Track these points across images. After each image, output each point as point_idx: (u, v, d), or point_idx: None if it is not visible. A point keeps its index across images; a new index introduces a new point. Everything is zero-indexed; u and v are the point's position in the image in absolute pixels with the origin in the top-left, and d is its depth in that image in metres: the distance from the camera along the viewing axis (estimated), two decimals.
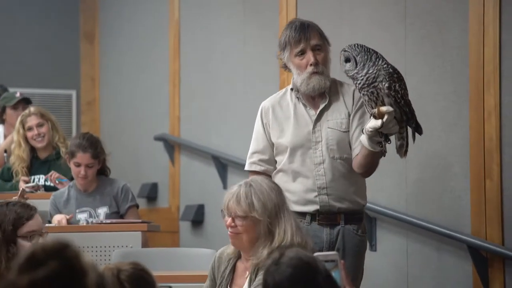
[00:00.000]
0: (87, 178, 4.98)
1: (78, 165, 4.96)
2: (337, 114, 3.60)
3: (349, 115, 3.59)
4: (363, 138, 3.40)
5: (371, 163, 3.50)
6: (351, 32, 5.24)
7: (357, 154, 3.53)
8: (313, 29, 3.62)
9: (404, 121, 3.33)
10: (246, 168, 3.72)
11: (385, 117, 3.25)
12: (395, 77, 3.31)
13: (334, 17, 5.38)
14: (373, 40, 4.99)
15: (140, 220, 4.96)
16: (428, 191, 4.58)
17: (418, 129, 3.38)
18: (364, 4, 5.13)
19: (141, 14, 7.54)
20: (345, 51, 3.39)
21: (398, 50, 4.80)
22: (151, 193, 7.18)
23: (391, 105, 3.27)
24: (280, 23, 5.84)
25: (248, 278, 3.29)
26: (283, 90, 3.73)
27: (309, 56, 3.57)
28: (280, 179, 3.60)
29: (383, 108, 3.26)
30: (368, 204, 4.81)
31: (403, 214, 4.64)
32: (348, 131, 3.59)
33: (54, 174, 5.44)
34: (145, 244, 4.84)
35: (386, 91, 3.28)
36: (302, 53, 3.58)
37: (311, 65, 3.55)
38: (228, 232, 3.30)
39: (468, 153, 4.31)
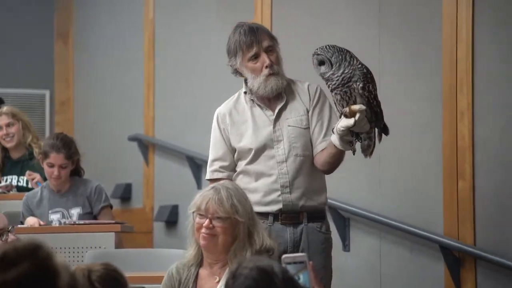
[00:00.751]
0: (60, 179, 4.96)
1: (51, 165, 4.94)
2: (295, 112, 3.59)
3: (308, 112, 3.60)
4: (334, 138, 3.39)
5: (336, 162, 3.50)
6: (326, 31, 5.26)
7: (320, 151, 3.53)
8: (262, 31, 3.62)
9: (374, 121, 3.33)
10: (208, 177, 3.68)
11: (357, 115, 3.25)
12: (369, 78, 3.31)
13: (309, 17, 5.40)
14: (348, 39, 5.00)
15: (113, 221, 4.94)
16: (401, 191, 4.60)
17: (385, 130, 3.39)
18: (339, 4, 5.15)
19: (116, 14, 7.52)
20: (317, 54, 3.38)
21: (372, 50, 4.82)
22: (125, 193, 7.16)
23: (363, 105, 3.27)
24: (255, 22, 5.84)
25: (221, 282, 3.29)
26: (236, 94, 3.70)
27: (264, 59, 3.55)
28: (241, 180, 3.59)
29: (356, 107, 3.26)
30: (341, 205, 4.85)
31: (376, 215, 4.66)
32: (308, 127, 3.59)
33: (35, 177, 5.43)
34: (119, 245, 4.82)
35: (360, 91, 3.28)
36: (256, 56, 3.57)
37: (266, 67, 3.54)
38: (202, 234, 3.29)
39: (441, 153, 4.34)
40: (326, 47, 3.37)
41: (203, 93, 6.44)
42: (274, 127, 3.58)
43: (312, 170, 3.57)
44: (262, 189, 3.55)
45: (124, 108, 7.34)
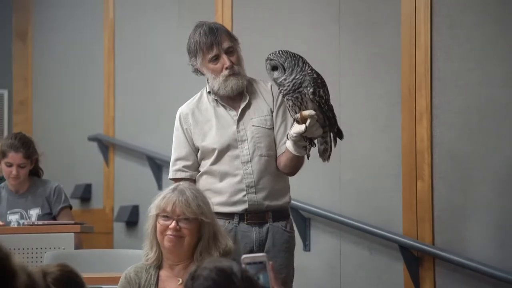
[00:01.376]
0: (19, 179, 4.93)
1: (9, 165, 4.90)
2: (259, 112, 3.60)
3: (271, 112, 3.61)
4: (288, 144, 3.42)
5: (296, 165, 3.52)
6: (286, 32, 5.28)
7: (282, 153, 3.54)
8: (222, 31, 3.61)
9: (327, 125, 3.36)
10: (171, 176, 3.67)
11: (308, 121, 3.27)
12: (319, 83, 3.33)
13: (270, 18, 5.42)
14: (308, 40, 5.04)
15: (73, 222, 4.92)
16: (361, 191, 4.64)
17: (339, 134, 3.41)
18: (299, 5, 5.18)
19: (76, 14, 7.47)
20: (270, 59, 3.40)
21: (332, 51, 4.85)
22: (85, 194, 7.12)
23: (314, 110, 3.29)
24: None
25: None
26: (198, 94, 3.70)
27: (224, 60, 3.56)
28: (205, 181, 3.59)
29: (306, 112, 3.27)
30: (302, 205, 4.87)
31: (336, 215, 4.69)
32: (273, 127, 3.60)
33: None
34: (79, 246, 4.80)
35: (311, 96, 3.29)
36: (216, 58, 3.57)
37: (226, 68, 3.55)
38: (168, 236, 3.28)
39: (400, 154, 4.38)
40: (279, 52, 3.40)
41: (164, 93, 6.43)
42: (237, 126, 3.58)
43: (276, 170, 3.58)
44: (228, 189, 3.55)
45: (84, 108, 7.30)
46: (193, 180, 3.61)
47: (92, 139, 7.00)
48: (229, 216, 3.55)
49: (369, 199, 4.58)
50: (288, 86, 3.32)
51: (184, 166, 3.64)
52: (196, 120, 3.63)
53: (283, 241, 3.58)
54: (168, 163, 6.21)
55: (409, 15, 4.33)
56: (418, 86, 4.30)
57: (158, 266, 3.32)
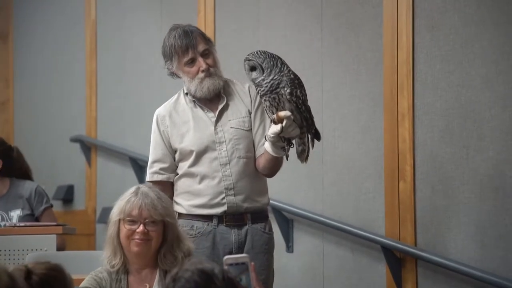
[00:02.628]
0: None
1: None
2: (237, 113, 3.61)
3: (249, 113, 3.61)
4: (267, 145, 3.42)
5: (275, 166, 3.53)
6: (269, 33, 5.29)
7: (260, 155, 3.55)
8: (197, 34, 3.61)
9: (305, 126, 3.36)
10: (148, 178, 3.66)
11: (284, 121, 3.28)
12: (296, 83, 3.33)
13: (252, 19, 5.43)
14: (290, 41, 5.05)
15: (55, 223, 4.91)
16: (344, 192, 4.66)
17: (317, 135, 3.41)
18: (281, 6, 5.19)
19: (57, 14, 7.45)
20: (249, 60, 3.41)
21: (314, 52, 4.87)
22: (67, 195, 7.11)
23: (291, 111, 3.29)
24: (198, 24, 5.86)
25: (157, 285, 3.28)
26: (175, 96, 3.70)
27: (200, 63, 3.56)
28: (184, 183, 3.59)
29: (281, 113, 3.28)
30: (284, 206, 4.89)
31: (319, 216, 4.71)
32: (251, 129, 3.60)
33: None
34: (62, 247, 4.80)
35: (288, 96, 3.30)
36: (192, 61, 3.58)
37: (202, 71, 3.56)
38: (136, 241, 3.26)
39: (382, 155, 4.40)
40: (257, 52, 3.41)
41: (146, 94, 6.43)
42: (215, 128, 3.58)
43: (255, 171, 3.59)
44: (206, 191, 3.55)
45: (65, 109, 7.29)
46: (170, 183, 3.62)
47: (74, 140, 7.00)
48: (207, 218, 3.55)
49: (351, 200, 4.61)
50: (266, 86, 3.34)
51: (161, 169, 3.63)
52: (174, 121, 3.63)
53: (262, 243, 3.58)
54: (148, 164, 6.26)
55: (391, 17, 4.36)
56: (400, 88, 4.32)
57: (126, 272, 3.28)
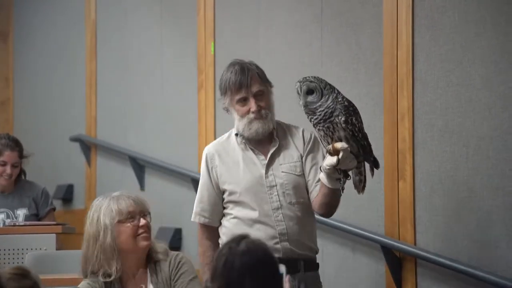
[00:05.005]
0: (11, 178, 5.01)
1: (4, 163, 4.98)
2: (289, 158, 3.50)
3: (301, 158, 3.51)
4: (322, 176, 3.32)
5: (332, 202, 3.41)
6: (269, 33, 5.30)
7: (317, 195, 3.44)
8: (254, 73, 3.50)
9: (361, 155, 3.27)
10: (192, 219, 3.61)
11: (341, 153, 3.18)
12: (351, 110, 3.25)
13: (252, 18, 5.43)
14: (290, 41, 5.06)
15: (54, 222, 4.93)
16: (343, 192, 4.65)
17: (375, 163, 3.31)
18: (281, 6, 5.20)
19: (58, 14, 7.46)
20: (310, 81, 3.29)
21: (314, 51, 4.87)
22: (66, 194, 7.12)
23: (347, 139, 3.21)
24: (198, 23, 5.86)
25: (150, 283, 3.29)
26: (226, 134, 3.61)
27: (251, 104, 3.46)
28: (233, 226, 3.49)
29: (338, 145, 3.18)
30: None
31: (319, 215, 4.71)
32: (303, 174, 3.49)
33: None
34: (61, 247, 4.81)
35: (343, 125, 3.21)
36: (244, 99, 3.48)
37: (252, 112, 3.46)
38: (144, 235, 3.28)
39: (382, 154, 4.40)
40: (317, 77, 3.31)
41: (146, 93, 6.44)
42: (266, 172, 3.48)
43: (306, 218, 3.50)
44: (259, 236, 3.37)
45: (65, 108, 7.30)
46: (212, 227, 3.54)
47: (73, 139, 7.01)
48: None
49: (351, 200, 4.60)
50: (320, 115, 3.23)
51: (203, 210, 3.57)
52: (223, 161, 3.54)
53: None
54: (150, 163, 6.29)
55: (390, 16, 4.36)
56: (400, 87, 4.32)
57: (118, 278, 3.27)
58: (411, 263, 4.24)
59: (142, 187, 6.36)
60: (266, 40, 5.32)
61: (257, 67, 3.55)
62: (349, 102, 3.27)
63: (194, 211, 3.58)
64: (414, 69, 4.26)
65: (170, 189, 6.13)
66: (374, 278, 4.46)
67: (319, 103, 3.25)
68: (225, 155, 3.54)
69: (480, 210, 3.93)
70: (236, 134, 3.55)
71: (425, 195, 4.21)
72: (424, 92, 4.23)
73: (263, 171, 3.48)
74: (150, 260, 3.33)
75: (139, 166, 6.40)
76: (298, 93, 3.31)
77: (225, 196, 3.52)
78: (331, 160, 3.21)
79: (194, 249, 5.80)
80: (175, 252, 3.40)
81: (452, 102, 4.08)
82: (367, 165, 3.43)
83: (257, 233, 3.41)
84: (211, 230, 3.55)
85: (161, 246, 3.37)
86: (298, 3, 5.05)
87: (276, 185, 3.46)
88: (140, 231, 3.27)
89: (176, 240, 5.95)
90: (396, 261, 4.28)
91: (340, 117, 3.22)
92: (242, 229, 3.43)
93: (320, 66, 4.82)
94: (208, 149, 3.58)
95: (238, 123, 3.50)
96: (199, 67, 5.84)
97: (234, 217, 3.49)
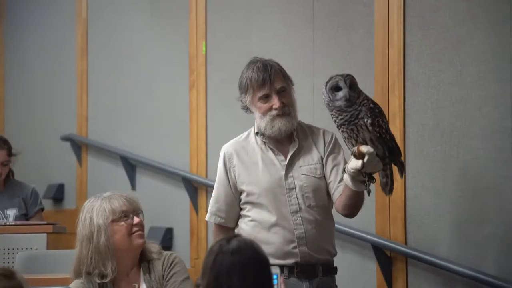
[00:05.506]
0: (1, 176, 5.01)
1: None
2: (309, 160, 3.41)
3: (322, 160, 3.41)
4: (346, 178, 3.23)
5: (356, 203, 3.31)
6: (260, 34, 5.30)
7: (339, 196, 3.35)
8: (276, 70, 3.41)
9: (387, 157, 3.19)
10: (207, 218, 3.52)
11: (366, 157, 3.10)
12: (377, 112, 3.17)
13: (244, 19, 5.44)
14: (282, 41, 5.06)
15: (45, 222, 4.93)
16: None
17: (402, 165, 3.25)
18: (273, 6, 5.20)
19: (48, 13, 7.45)
20: (352, 78, 3.20)
21: (306, 52, 4.88)
22: (57, 194, 7.11)
23: (372, 141, 3.14)
24: (189, 23, 5.86)
25: (144, 282, 3.29)
26: (245, 133, 3.51)
27: (274, 101, 3.36)
28: (250, 228, 3.39)
29: (363, 148, 3.10)
30: None
31: None
32: (323, 176, 3.40)
33: None
34: (52, 246, 4.81)
35: (370, 127, 3.13)
36: (266, 97, 3.38)
37: (275, 109, 3.36)
38: (139, 233, 3.28)
39: None
40: (352, 76, 3.22)
41: (137, 92, 6.44)
42: (286, 174, 3.39)
43: (326, 222, 3.41)
44: (277, 240, 3.35)
45: (56, 107, 7.29)
46: (227, 228, 3.45)
47: (64, 138, 7.00)
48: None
49: None
50: (346, 116, 3.15)
51: (219, 210, 3.47)
52: (242, 161, 3.44)
53: None
54: (142, 162, 6.28)
55: (382, 16, 4.37)
56: (391, 86, 4.33)
57: (113, 279, 3.26)
58: (402, 262, 4.25)
59: (133, 186, 6.35)
60: (258, 41, 5.32)
61: (278, 64, 3.47)
62: (375, 103, 3.19)
63: (209, 210, 3.49)
64: (406, 68, 4.27)
65: (161, 188, 6.13)
66: (365, 277, 4.47)
67: (352, 103, 3.15)
68: (243, 155, 3.45)
69: (471, 209, 3.95)
70: (257, 133, 3.45)
71: (416, 194, 4.22)
72: (415, 92, 4.24)
73: (283, 173, 3.39)
74: (143, 259, 3.33)
75: (130, 166, 6.39)
76: (337, 87, 3.18)
77: (242, 197, 3.43)
78: (356, 163, 3.12)
79: (186, 248, 5.81)
80: (169, 252, 3.40)
81: (443, 102, 4.09)
82: (395, 168, 3.33)
83: (275, 236, 3.34)
84: (226, 230, 3.44)
85: (154, 246, 3.38)
86: (290, 3, 5.06)
87: (295, 188, 3.37)
88: (135, 229, 3.27)
89: (167, 240, 5.95)
90: (387, 260, 4.29)
91: (365, 119, 3.13)
92: (259, 232, 3.35)
93: (312, 66, 4.83)
94: (226, 148, 3.49)
95: (259, 121, 3.40)
96: (191, 67, 5.85)
97: (252, 220, 3.40)
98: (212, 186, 5.50)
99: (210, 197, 5.54)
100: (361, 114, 3.14)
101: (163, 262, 3.32)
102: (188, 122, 5.86)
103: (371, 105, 3.17)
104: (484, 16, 3.91)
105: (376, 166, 3.16)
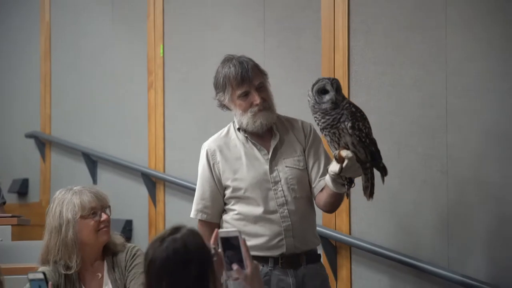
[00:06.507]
0: None
1: None
2: (292, 152, 3.31)
3: (304, 151, 3.33)
4: (327, 179, 3.15)
5: (336, 202, 3.25)
6: (215, 36, 5.32)
7: (320, 192, 3.27)
8: (253, 66, 3.31)
9: (369, 161, 3.07)
10: (192, 215, 3.35)
11: (345, 162, 3.01)
12: (358, 116, 3.06)
13: (200, 22, 5.45)
14: (235, 44, 5.09)
15: (10, 215, 4.90)
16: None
17: (384, 169, 3.12)
18: (228, 10, 5.23)
19: (13, 16, 7.39)
20: (337, 81, 3.11)
21: (258, 54, 4.90)
22: (22, 188, 7.07)
23: (353, 145, 3.03)
24: (148, 27, 5.87)
25: (107, 273, 3.30)
26: (225, 129, 3.38)
27: (255, 97, 3.26)
28: (238, 223, 3.26)
29: (343, 153, 3.02)
30: None
31: None
32: (306, 168, 3.31)
33: None
34: (16, 238, 4.79)
35: (350, 130, 3.02)
36: (246, 94, 3.27)
37: (256, 105, 3.26)
38: (104, 230, 3.27)
39: None
40: (338, 79, 3.12)
41: (99, 93, 6.42)
42: (270, 167, 3.28)
43: (310, 212, 3.33)
44: (264, 233, 3.25)
45: (21, 106, 7.24)
46: (213, 224, 3.30)
47: (29, 136, 6.96)
48: (263, 259, 3.22)
49: None
50: (328, 119, 3.05)
51: (205, 207, 3.33)
52: (225, 157, 3.31)
53: (321, 282, 3.33)
54: (103, 158, 6.27)
55: (328, 21, 4.41)
56: None
57: (78, 271, 3.26)
58: (346, 251, 4.29)
59: (94, 181, 6.34)
60: (212, 43, 5.34)
61: (252, 60, 3.36)
62: (357, 108, 3.08)
63: (194, 208, 3.34)
64: (350, 71, 4.30)
65: (121, 183, 6.12)
66: None
67: (336, 105, 3.05)
68: (226, 151, 3.32)
69: (409, 202, 4.00)
70: (238, 129, 3.33)
71: (359, 188, 4.26)
72: (359, 93, 4.28)
73: (267, 167, 3.28)
74: (107, 250, 3.33)
75: (92, 162, 6.38)
76: (324, 90, 3.10)
77: (227, 192, 3.31)
78: (335, 167, 3.04)
79: (144, 239, 5.81)
80: (132, 244, 3.40)
81: (384, 102, 4.14)
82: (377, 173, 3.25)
83: (262, 229, 3.24)
84: (211, 226, 3.26)
85: (118, 238, 3.37)
86: (243, 8, 5.09)
87: (280, 180, 3.26)
88: (101, 226, 3.26)
89: (127, 231, 5.94)
90: (332, 249, 4.34)
91: (346, 123, 3.02)
92: (246, 226, 3.24)
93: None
94: (208, 145, 3.35)
95: (241, 118, 3.28)
96: (149, 68, 5.85)
97: (238, 214, 3.28)
98: (169, 181, 5.58)
99: (167, 191, 5.65)
100: (342, 117, 3.04)
101: (126, 253, 3.32)
102: (147, 121, 5.85)
103: (353, 109, 3.07)
104: (421, 23, 3.97)
105: (355, 172, 3.07)
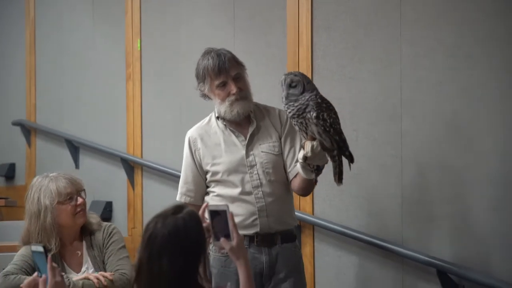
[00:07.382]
0: None
1: None
2: (268, 138, 3.33)
3: (280, 138, 3.34)
4: (298, 166, 3.17)
5: (308, 186, 3.28)
6: (189, 33, 5.32)
7: (294, 177, 3.29)
8: (230, 58, 3.32)
9: (335, 149, 3.06)
10: (178, 198, 3.37)
11: (308, 153, 3.03)
12: (324, 107, 3.04)
13: (174, 19, 5.44)
14: (208, 39, 5.08)
15: None
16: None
17: (351, 157, 3.11)
18: (200, 9, 5.22)
19: (0, 12, 7.32)
20: (295, 75, 3.11)
21: (228, 48, 4.75)
22: (9, 172, 7.03)
23: (319, 134, 3.02)
24: (126, 23, 5.84)
25: (86, 251, 3.29)
26: (207, 118, 3.41)
27: (231, 87, 3.27)
28: (218, 203, 3.23)
29: (308, 143, 3.03)
30: None
31: None
32: (281, 153, 3.32)
33: None
34: (2, 218, 4.77)
35: (315, 120, 3.00)
36: (223, 84, 3.28)
37: (233, 94, 3.27)
38: (80, 213, 3.26)
39: None
40: (303, 74, 3.14)
41: (80, 84, 6.39)
42: (247, 152, 3.30)
43: (285, 194, 3.35)
44: (240, 212, 3.25)
45: (8, 96, 7.20)
46: (197, 206, 3.16)
47: (15, 123, 6.92)
48: None
49: None
50: (293, 110, 3.04)
51: (188, 190, 3.35)
52: (205, 144, 3.34)
53: (295, 261, 3.33)
54: (85, 145, 6.25)
55: (293, 18, 4.43)
56: None
57: (58, 251, 3.25)
58: (310, 230, 4.32)
59: (77, 166, 6.31)
60: (187, 38, 5.34)
61: (230, 52, 3.37)
62: (323, 99, 3.07)
63: (179, 191, 3.36)
64: (313, 64, 4.32)
65: (101, 167, 6.11)
66: None
67: (298, 98, 3.05)
68: (207, 138, 3.34)
69: (368, 185, 4.04)
70: (217, 118, 3.36)
71: (322, 173, 4.29)
72: (321, 84, 4.27)
73: (244, 152, 3.30)
74: (85, 230, 3.32)
75: (74, 148, 6.35)
76: (282, 85, 3.12)
77: (208, 176, 3.33)
78: (302, 154, 3.06)
79: (123, 219, 5.81)
80: (108, 223, 3.40)
81: (344, 93, 4.16)
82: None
83: (238, 209, 3.24)
84: (195, 208, 3.09)
85: (94, 217, 3.37)
86: (215, 7, 5.09)
87: (256, 164, 3.28)
88: (78, 209, 3.25)
89: (107, 212, 5.93)
90: (297, 228, 4.35)
91: (311, 113, 3.01)
92: None
93: None
94: (191, 133, 3.37)
95: (219, 107, 3.30)
96: (127, 61, 5.83)
97: (217, 195, 3.31)
98: (146, 166, 5.58)
99: (144, 175, 5.64)
100: (308, 108, 3.03)
101: (103, 232, 3.32)
102: (125, 110, 5.84)
103: (319, 100, 3.06)
104: (378, 21, 3.99)
105: (320, 160, 3.09)
